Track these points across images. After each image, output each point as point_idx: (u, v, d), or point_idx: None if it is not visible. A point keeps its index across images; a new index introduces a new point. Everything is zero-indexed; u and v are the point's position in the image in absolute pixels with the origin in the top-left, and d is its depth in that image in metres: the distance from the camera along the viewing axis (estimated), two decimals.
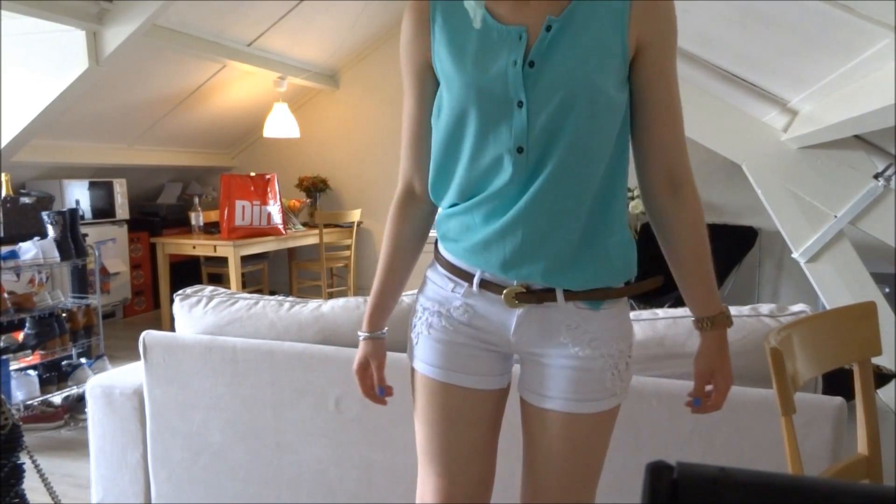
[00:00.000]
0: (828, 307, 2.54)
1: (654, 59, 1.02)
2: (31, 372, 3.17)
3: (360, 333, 1.23)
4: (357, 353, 1.23)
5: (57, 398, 3.24)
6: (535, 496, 1.15)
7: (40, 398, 3.15)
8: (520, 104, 0.99)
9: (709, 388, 1.16)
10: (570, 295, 1.06)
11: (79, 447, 2.88)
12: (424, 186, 1.15)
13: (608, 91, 0.99)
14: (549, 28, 0.99)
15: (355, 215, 5.41)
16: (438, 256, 1.16)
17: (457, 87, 1.03)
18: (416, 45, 1.09)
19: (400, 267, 1.21)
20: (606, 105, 1.00)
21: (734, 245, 4.72)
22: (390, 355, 1.27)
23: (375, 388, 1.23)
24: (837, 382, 1.60)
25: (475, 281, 1.09)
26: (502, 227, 1.04)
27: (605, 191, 1.05)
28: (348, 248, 5.55)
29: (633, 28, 1.00)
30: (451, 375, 1.14)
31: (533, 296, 1.07)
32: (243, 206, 4.82)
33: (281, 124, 5.45)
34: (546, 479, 1.13)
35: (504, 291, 1.07)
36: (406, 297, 1.70)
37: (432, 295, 1.15)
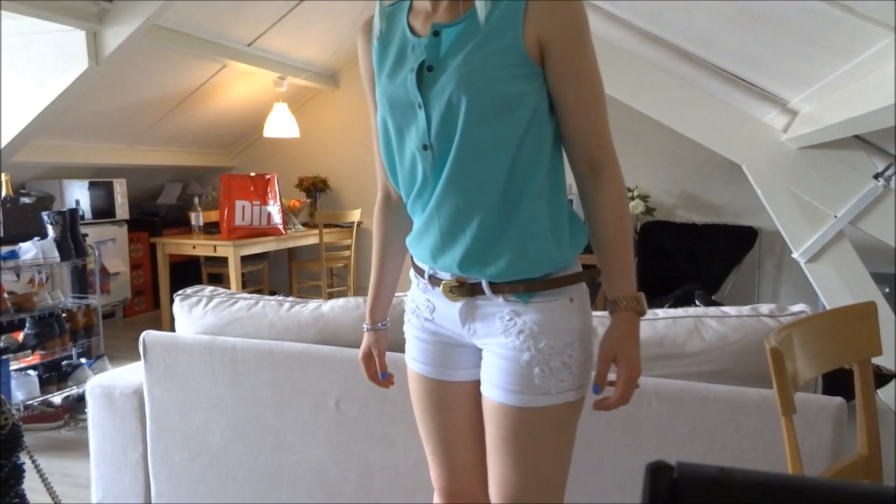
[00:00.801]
0: (828, 307, 2.54)
1: (560, 57, 1.05)
2: (31, 372, 3.17)
3: (364, 325, 1.36)
4: (362, 343, 1.37)
5: (57, 398, 3.24)
6: (491, 493, 1.18)
7: (40, 398, 3.15)
8: (420, 106, 1.07)
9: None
10: (496, 287, 1.11)
11: (79, 447, 2.88)
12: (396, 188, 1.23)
13: (499, 88, 1.03)
14: (436, 34, 1.07)
15: (355, 215, 5.41)
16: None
17: (378, 97, 1.15)
18: (364, 61, 1.22)
19: (390, 263, 1.34)
20: (498, 101, 1.03)
21: (734, 245, 4.72)
22: (389, 355, 1.37)
23: (378, 374, 1.35)
24: (837, 382, 1.60)
25: (426, 275, 1.18)
26: (425, 220, 1.13)
27: (520, 182, 1.07)
28: (348, 248, 5.55)
29: (530, 26, 1.03)
30: (419, 366, 1.26)
31: (465, 289, 1.13)
32: (243, 206, 4.82)
33: (281, 124, 5.45)
34: (493, 472, 1.17)
35: (441, 284, 1.15)
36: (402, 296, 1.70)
37: (410, 293, 1.28)
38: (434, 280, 1.17)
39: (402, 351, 1.31)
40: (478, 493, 1.26)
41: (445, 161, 1.07)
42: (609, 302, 1.14)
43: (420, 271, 1.21)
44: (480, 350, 1.20)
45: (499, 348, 1.13)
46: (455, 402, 1.24)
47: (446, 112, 1.05)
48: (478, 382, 1.22)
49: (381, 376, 1.35)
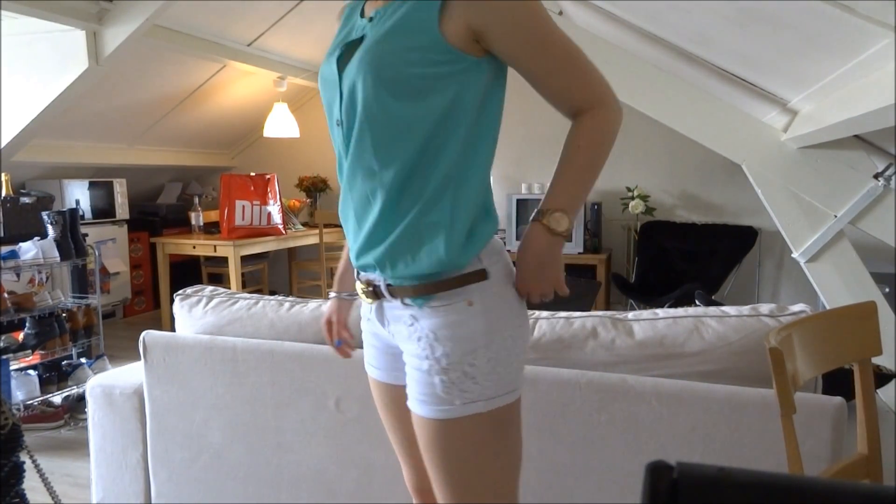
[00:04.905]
0: (828, 307, 2.54)
1: (500, 41, 1.02)
2: (32, 372, 3.17)
3: (331, 292, 1.38)
4: (326, 309, 1.38)
5: (57, 398, 3.24)
6: None
7: (40, 398, 3.15)
8: (338, 82, 1.09)
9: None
10: (392, 290, 1.09)
11: (79, 447, 2.88)
12: None
13: (405, 70, 1.01)
14: (371, 19, 1.08)
15: None
16: None
17: None
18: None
19: None
20: (403, 84, 1.02)
21: (734, 245, 4.72)
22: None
23: (334, 341, 1.36)
24: (837, 382, 1.60)
25: (356, 277, 1.18)
26: (343, 201, 1.14)
27: (427, 170, 1.04)
28: None
29: (456, 12, 1.00)
30: (372, 370, 1.27)
31: (372, 292, 1.13)
32: (243, 206, 4.82)
33: (281, 124, 5.45)
34: (431, 484, 1.16)
35: (357, 285, 1.16)
36: None
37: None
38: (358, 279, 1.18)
39: None
40: None
41: (351, 137, 1.07)
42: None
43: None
44: None
45: (408, 355, 1.10)
46: (397, 403, 1.23)
47: (351, 89, 1.05)
48: None
49: (337, 343, 1.35)
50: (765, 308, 1.54)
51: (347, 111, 1.07)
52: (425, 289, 1.05)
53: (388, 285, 1.09)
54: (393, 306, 1.11)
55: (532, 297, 1.09)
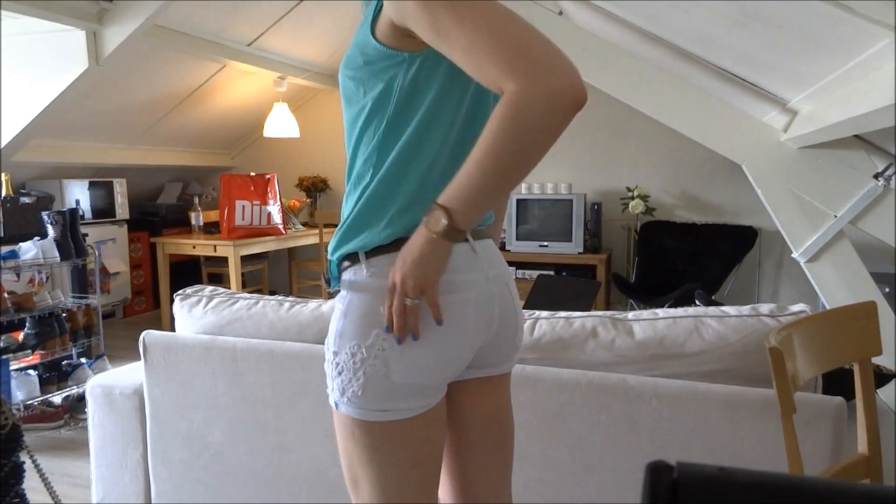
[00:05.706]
0: (828, 307, 2.54)
1: (418, 32, 0.95)
2: (32, 372, 3.17)
3: None
4: None
5: (57, 398, 3.24)
6: None
7: (40, 398, 3.15)
8: None
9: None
10: None
11: (79, 447, 2.88)
12: None
13: (352, 72, 1.05)
14: None
15: None
16: None
17: None
18: None
19: None
20: (350, 85, 1.06)
21: (734, 245, 4.72)
22: None
23: None
24: (837, 382, 1.60)
25: None
26: None
27: (354, 164, 1.08)
28: None
29: (383, 9, 0.99)
30: None
31: None
32: (243, 206, 4.82)
33: (281, 124, 5.45)
34: None
35: None
36: None
37: None
38: None
39: None
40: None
41: None
42: None
43: None
44: None
45: None
46: None
47: None
48: None
49: None
50: (765, 308, 1.54)
51: None
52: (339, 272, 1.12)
53: None
54: None
55: (394, 286, 0.99)
